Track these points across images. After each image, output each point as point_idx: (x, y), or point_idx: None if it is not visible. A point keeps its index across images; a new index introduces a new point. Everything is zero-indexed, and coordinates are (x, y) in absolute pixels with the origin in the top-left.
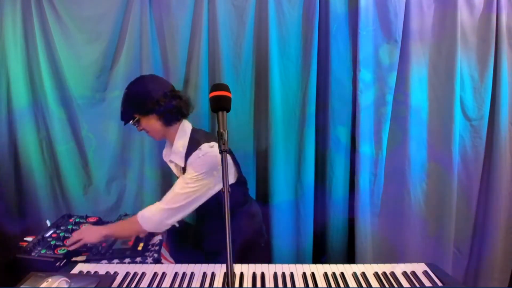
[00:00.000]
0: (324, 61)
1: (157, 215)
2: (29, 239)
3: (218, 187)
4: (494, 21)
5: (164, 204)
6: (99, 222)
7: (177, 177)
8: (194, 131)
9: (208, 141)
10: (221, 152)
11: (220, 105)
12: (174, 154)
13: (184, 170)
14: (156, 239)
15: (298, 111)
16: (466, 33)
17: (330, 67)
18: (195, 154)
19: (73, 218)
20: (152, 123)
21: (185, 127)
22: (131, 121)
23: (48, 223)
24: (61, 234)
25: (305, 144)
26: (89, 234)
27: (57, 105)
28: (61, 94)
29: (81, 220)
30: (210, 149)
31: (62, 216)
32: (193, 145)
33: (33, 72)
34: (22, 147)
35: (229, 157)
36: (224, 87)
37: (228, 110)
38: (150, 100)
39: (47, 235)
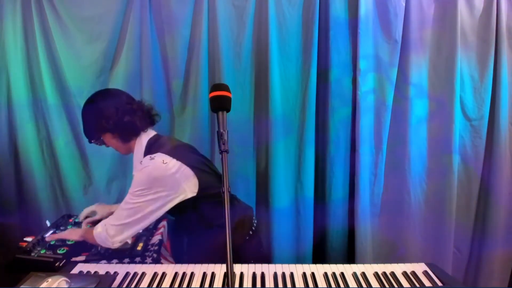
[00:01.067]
0: (324, 61)
1: (104, 232)
2: (29, 239)
3: (177, 200)
4: (494, 21)
5: (111, 220)
6: (99, 223)
7: None
8: (150, 141)
9: (153, 153)
10: (221, 152)
11: (220, 105)
12: (134, 169)
13: None
14: (156, 239)
15: (298, 111)
16: (466, 33)
17: (330, 67)
18: (136, 168)
19: (73, 218)
20: (110, 140)
21: (142, 140)
22: (93, 141)
23: (48, 223)
24: None
25: (305, 144)
26: (71, 232)
27: (57, 105)
28: (61, 94)
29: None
30: (149, 162)
31: (62, 216)
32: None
33: (33, 73)
34: (22, 147)
35: (188, 169)
36: (224, 87)
37: (228, 110)
38: (101, 119)
39: (47, 235)
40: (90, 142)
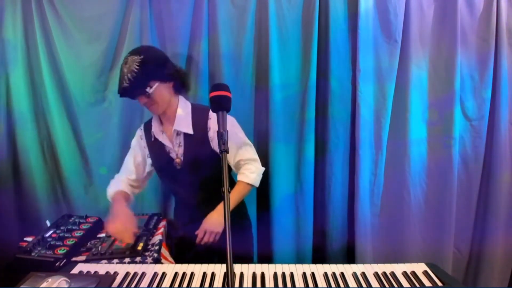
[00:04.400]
0: (324, 61)
1: (258, 171)
2: (29, 239)
3: None
4: (494, 21)
5: (255, 163)
6: (99, 222)
7: (167, 153)
8: (193, 103)
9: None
10: (221, 152)
11: (220, 105)
12: (179, 123)
13: (187, 140)
14: (156, 239)
15: (298, 111)
16: (466, 33)
17: (330, 67)
18: (181, 124)
19: (73, 218)
20: (166, 91)
21: (184, 98)
22: (145, 92)
23: (48, 223)
24: (61, 234)
25: (305, 144)
26: (214, 224)
27: (57, 105)
28: (62, 94)
29: (81, 220)
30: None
31: (62, 216)
32: (198, 114)
33: (34, 73)
34: (23, 147)
35: None
36: (224, 87)
37: (228, 110)
38: (170, 65)
39: (47, 235)
40: (136, 97)
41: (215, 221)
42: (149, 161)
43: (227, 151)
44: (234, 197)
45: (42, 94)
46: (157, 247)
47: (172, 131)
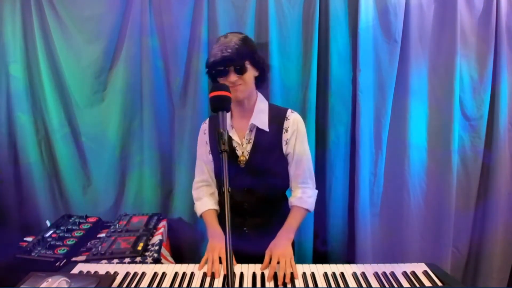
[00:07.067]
0: (324, 61)
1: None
2: (29, 239)
3: None
4: (494, 21)
5: (312, 184)
6: (99, 222)
7: (230, 152)
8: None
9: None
10: (220, 152)
11: (220, 105)
12: (256, 118)
13: (258, 137)
14: (156, 239)
15: (298, 111)
16: (466, 33)
17: (330, 67)
18: (260, 119)
19: (73, 218)
20: (252, 77)
21: (262, 95)
22: (243, 65)
23: (48, 223)
24: (61, 234)
25: None
26: (284, 250)
27: (56, 105)
28: (61, 94)
29: (80, 220)
30: (296, 114)
31: (62, 216)
32: (274, 113)
33: (33, 73)
34: (22, 148)
35: None
36: (224, 87)
37: (228, 110)
38: (257, 52)
39: (47, 235)
40: (226, 74)
41: (285, 246)
42: (210, 157)
43: (227, 151)
44: (294, 225)
45: (41, 94)
46: (157, 247)
47: (244, 126)
